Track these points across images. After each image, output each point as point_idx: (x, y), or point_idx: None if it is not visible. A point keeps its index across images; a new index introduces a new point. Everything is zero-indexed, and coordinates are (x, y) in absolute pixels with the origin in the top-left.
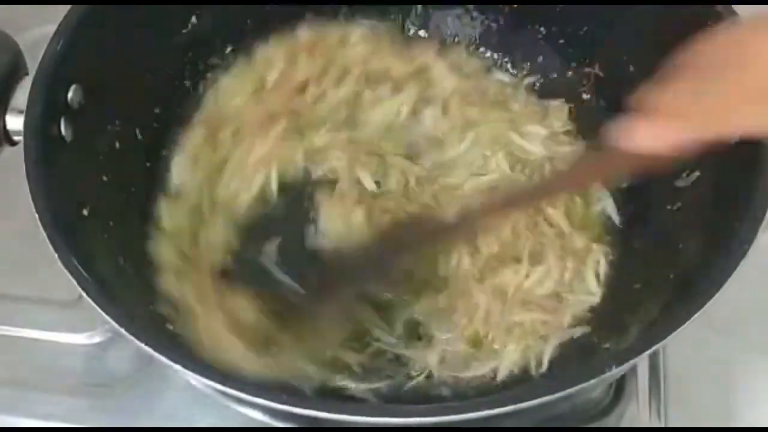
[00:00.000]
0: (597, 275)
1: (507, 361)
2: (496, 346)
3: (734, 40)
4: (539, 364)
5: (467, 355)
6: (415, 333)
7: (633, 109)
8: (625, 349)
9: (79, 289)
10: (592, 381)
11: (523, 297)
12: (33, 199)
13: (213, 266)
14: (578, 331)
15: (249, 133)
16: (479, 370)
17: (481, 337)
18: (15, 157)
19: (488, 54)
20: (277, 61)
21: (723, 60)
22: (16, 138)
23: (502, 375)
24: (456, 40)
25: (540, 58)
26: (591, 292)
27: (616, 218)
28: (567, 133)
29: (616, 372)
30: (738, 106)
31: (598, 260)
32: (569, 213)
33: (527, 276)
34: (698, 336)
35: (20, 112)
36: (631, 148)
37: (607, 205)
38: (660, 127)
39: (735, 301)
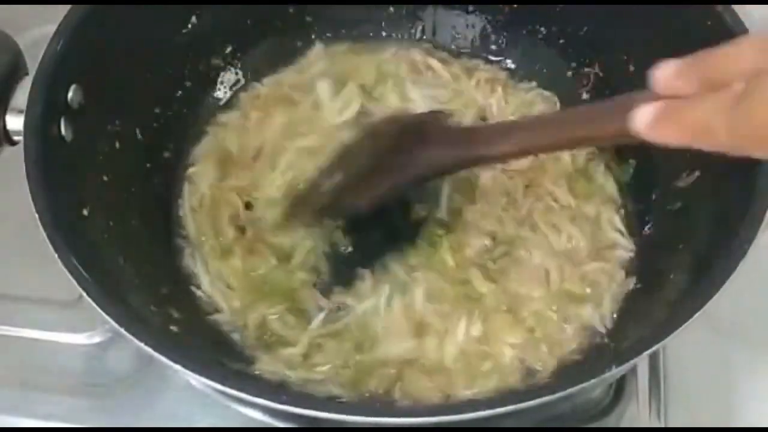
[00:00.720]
0: (618, 231)
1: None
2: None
3: None
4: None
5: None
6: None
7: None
8: (625, 349)
9: (79, 289)
10: (592, 381)
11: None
12: (33, 199)
13: None
14: (630, 283)
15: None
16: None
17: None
18: (15, 157)
19: (488, 54)
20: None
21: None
22: (16, 138)
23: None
24: (456, 40)
25: (540, 58)
26: (621, 245)
27: (614, 190)
28: None
29: (616, 372)
30: None
31: (611, 218)
32: (572, 189)
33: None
34: (698, 336)
35: (20, 112)
36: (640, 134)
37: (606, 183)
38: (680, 133)
39: (735, 301)
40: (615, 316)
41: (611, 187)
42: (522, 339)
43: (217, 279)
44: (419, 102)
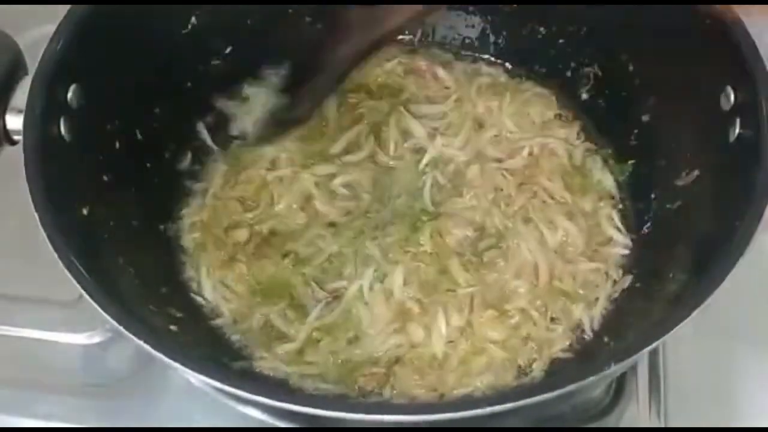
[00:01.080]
0: (616, 227)
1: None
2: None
3: None
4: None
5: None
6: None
7: None
8: (625, 347)
9: (79, 289)
10: (592, 378)
11: (563, 254)
12: (33, 199)
13: None
14: (627, 281)
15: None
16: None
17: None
18: (15, 157)
19: (488, 55)
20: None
21: None
22: (16, 138)
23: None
24: (456, 40)
25: (540, 58)
26: (618, 241)
27: (612, 186)
28: (558, 117)
29: (615, 369)
30: None
31: (610, 214)
32: (567, 185)
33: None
34: (698, 336)
35: (20, 111)
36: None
37: (604, 178)
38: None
39: (735, 300)
40: (605, 316)
41: (609, 183)
42: (506, 335)
43: (220, 285)
44: (419, 132)
